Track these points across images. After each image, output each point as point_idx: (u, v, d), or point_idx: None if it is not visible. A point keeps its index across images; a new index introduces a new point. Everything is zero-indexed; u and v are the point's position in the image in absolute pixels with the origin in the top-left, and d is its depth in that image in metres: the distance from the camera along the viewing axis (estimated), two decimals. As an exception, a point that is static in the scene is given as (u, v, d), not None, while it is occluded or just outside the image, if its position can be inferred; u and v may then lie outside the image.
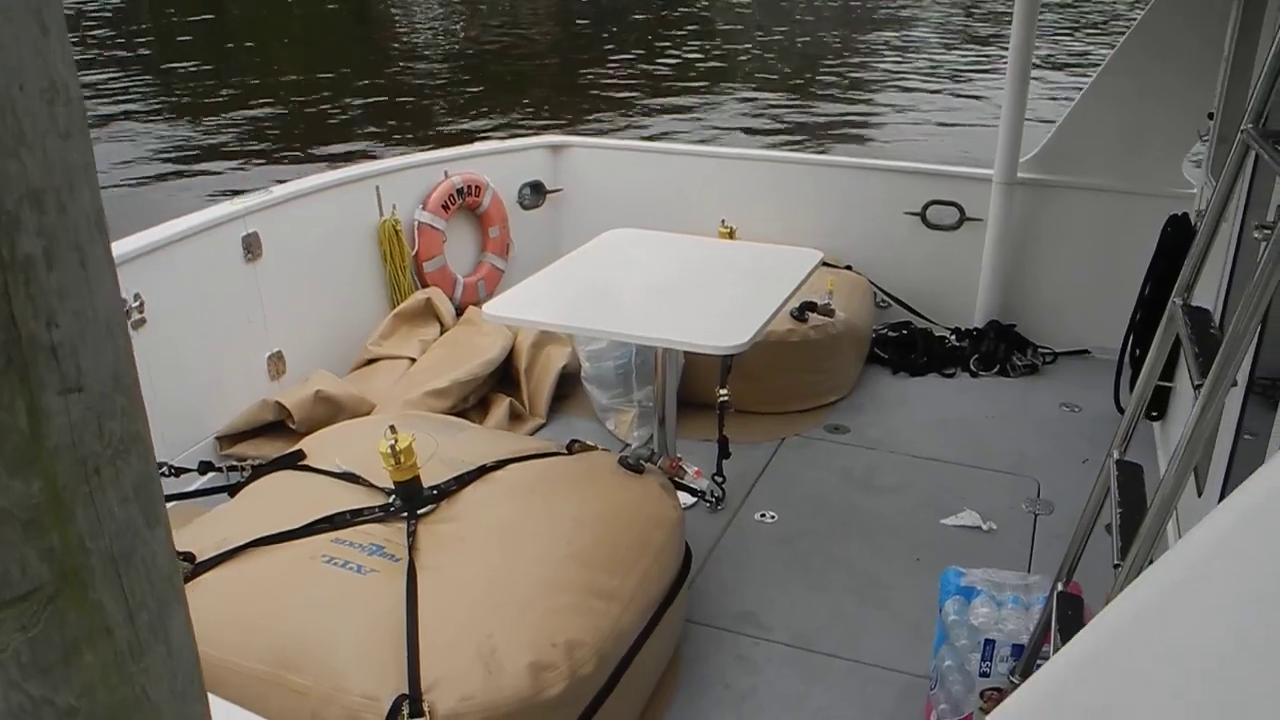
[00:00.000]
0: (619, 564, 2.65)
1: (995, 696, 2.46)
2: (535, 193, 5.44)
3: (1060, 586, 2.28)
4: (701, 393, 4.13)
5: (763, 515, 3.60)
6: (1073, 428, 4.29)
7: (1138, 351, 4.21)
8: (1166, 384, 4.06)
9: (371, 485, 2.84)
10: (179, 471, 3.62)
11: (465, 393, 3.96)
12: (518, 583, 2.50)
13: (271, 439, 3.87)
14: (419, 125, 13.63)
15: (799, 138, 12.88)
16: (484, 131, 12.82)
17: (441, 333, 4.53)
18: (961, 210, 4.98)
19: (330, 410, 3.83)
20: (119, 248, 3.45)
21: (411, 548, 2.57)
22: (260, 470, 3.12)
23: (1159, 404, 4.12)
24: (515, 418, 4.16)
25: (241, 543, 2.59)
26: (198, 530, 2.76)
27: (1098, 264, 4.79)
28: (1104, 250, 4.76)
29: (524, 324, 3.67)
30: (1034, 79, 4.88)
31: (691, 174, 5.44)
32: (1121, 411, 4.25)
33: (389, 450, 2.66)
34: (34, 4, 0.51)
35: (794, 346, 4.18)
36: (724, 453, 3.70)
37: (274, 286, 4.08)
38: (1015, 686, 2.36)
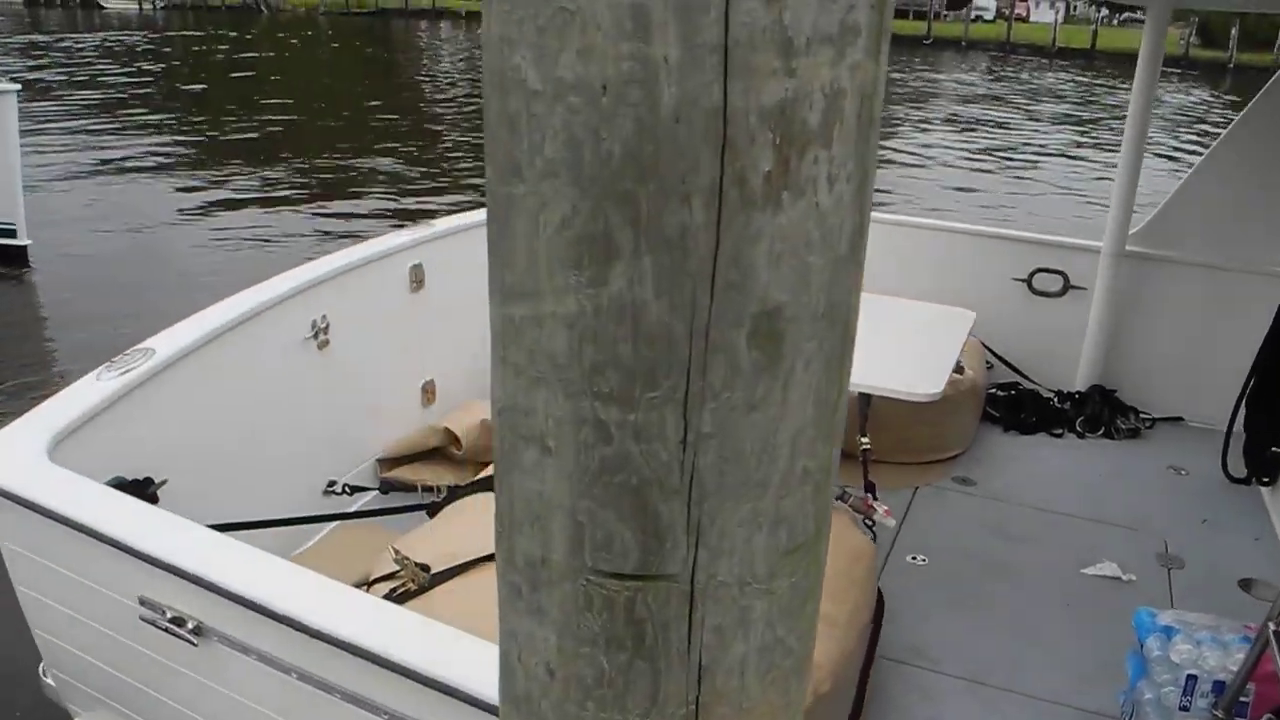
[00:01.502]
0: (833, 593, 2.80)
1: (1196, 731, 2.61)
2: None
3: (1275, 626, 2.44)
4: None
5: (913, 557, 3.76)
6: (1184, 489, 4.48)
7: (1249, 421, 4.40)
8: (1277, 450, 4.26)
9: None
10: (354, 490, 3.78)
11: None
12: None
13: (431, 464, 4.03)
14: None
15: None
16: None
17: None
18: (1066, 279, 5.21)
19: (491, 437, 3.98)
20: (310, 271, 3.64)
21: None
22: (457, 491, 3.27)
23: (1270, 470, 4.31)
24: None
25: (473, 557, 2.74)
26: (415, 545, 2.91)
27: (1195, 336, 5.00)
28: (1202, 323, 4.98)
29: None
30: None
31: None
32: (1229, 477, 4.46)
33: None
34: None
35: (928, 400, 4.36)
36: (872, 496, 3.86)
37: (431, 316, 4.27)
38: (1215, 719, 2.53)
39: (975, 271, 5.31)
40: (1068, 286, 5.22)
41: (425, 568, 2.69)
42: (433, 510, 3.28)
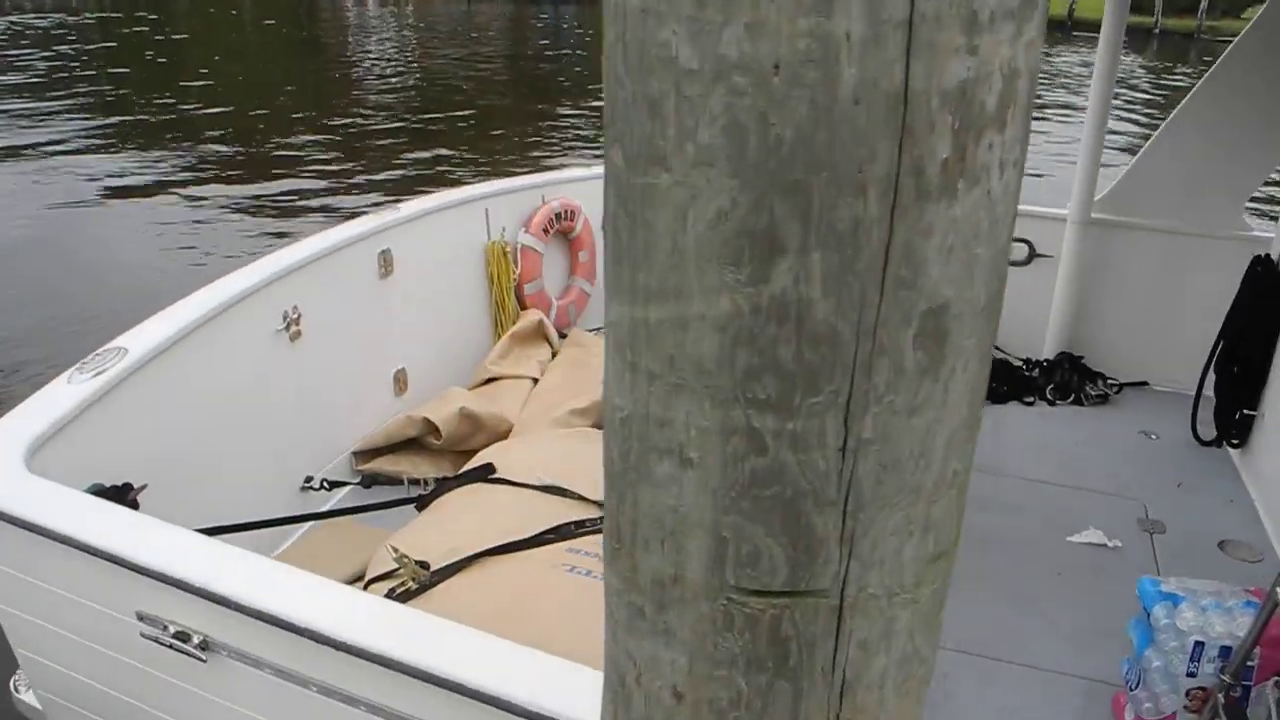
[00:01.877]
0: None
1: (1201, 695, 2.64)
2: None
3: None
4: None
5: None
6: (1156, 453, 4.54)
7: (1219, 385, 4.47)
8: (1250, 413, 4.33)
9: (580, 497, 2.94)
10: (332, 485, 3.68)
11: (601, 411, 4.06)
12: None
13: (409, 455, 3.94)
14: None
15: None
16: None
17: (552, 354, 4.63)
18: (1031, 247, 5.24)
19: (471, 427, 3.91)
20: (279, 260, 3.52)
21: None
22: (446, 484, 3.20)
23: (1241, 431, 4.38)
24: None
25: (474, 551, 2.67)
26: (410, 540, 2.84)
27: (1160, 301, 5.06)
28: (1166, 288, 5.03)
29: None
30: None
31: None
32: (1199, 440, 4.53)
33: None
34: None
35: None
36: None
37: (401, 303, 4.16)
38: (1225, 685, 2.55)
39: None
40: (1033, 255, 5.25)
41: (424, 565, 2.62)
42: (421, 503, 3.20)
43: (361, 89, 18.92)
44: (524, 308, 4.85)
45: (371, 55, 23.52)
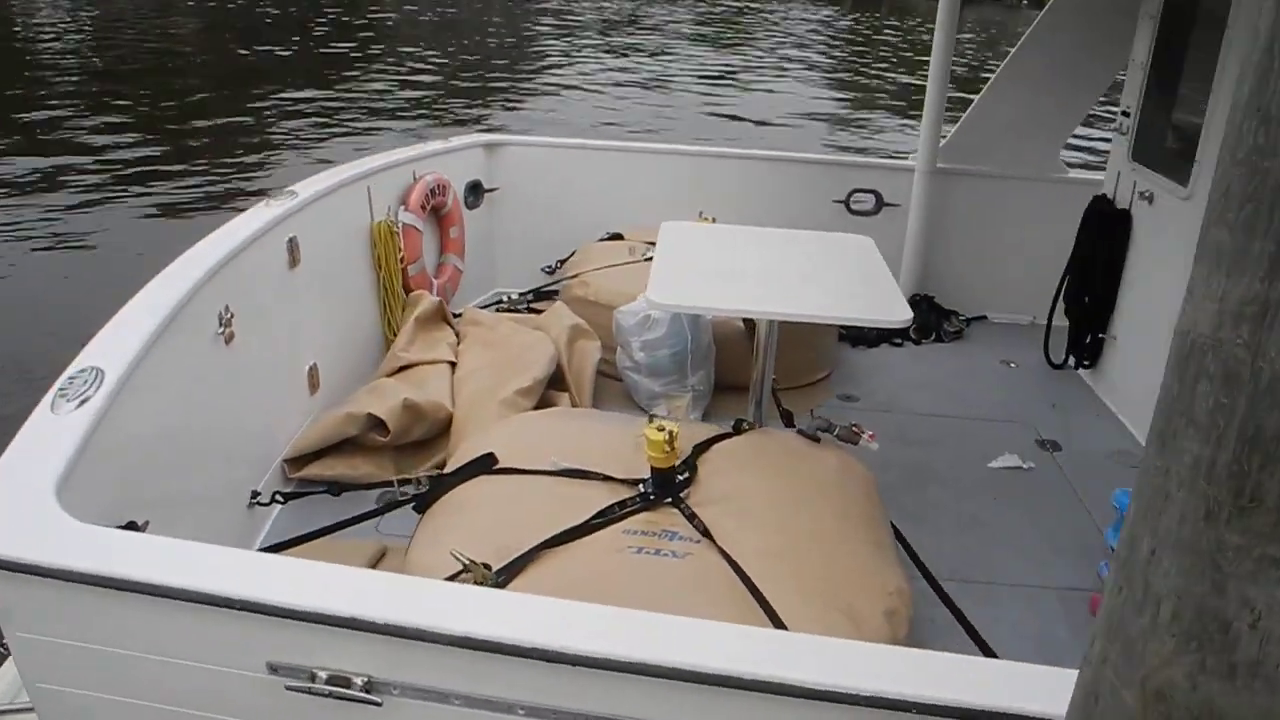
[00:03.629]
0: (872, 521, 2.90)
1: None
2: (474, 192, 5.40)
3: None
4: (725, 375, 4.41)
5: None
6: (1023, 380, 5.00)
7: (1071, 314, 4.97)
8: (1101, 336, 4.85)
9: (604, 477, 2.88)
10: (287, 498, 3.40)
11: (543, 389, 3.96)
12: (817, 545, 2.69)
13: (346, 457, 3.68)
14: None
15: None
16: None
17: (455, 335, 4.44)
18: (879, 197, 5.58)
19: (412, 419, 3.70)
20: (205, 256, 3.17)
21: (701, 528, 2.67)
22: (445, 481, 3.02)
23: (1092, 354, 4.91)
24: (563, 413, 4.19)
25: (530, 547, 2.56)
26: (445, 542, 2.68)
27: (1000, 240, 5.53)
28: (1005, 228, 5.50)
29: (701, 310, 3.89)
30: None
31: (629, 169, 5.64)
32: (1052, 364, 5.03)
33: (664, 439, 2.73)
34: None
35: (800, 325, 4.53)
36: (790, 424, 3.99)
37: (307, 295, 3.86)
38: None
39: (800, 196, 5.55)
40: (881, 204, 5.59)
41: (486, 566, 2.48)
42: (420, 504, 3.01)
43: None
44: (408, 290, 4.61)
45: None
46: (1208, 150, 3.97)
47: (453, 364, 4.17)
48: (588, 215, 5.61)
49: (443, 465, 3.76)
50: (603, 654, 1.68)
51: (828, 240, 4.11)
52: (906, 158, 5.67)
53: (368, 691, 1.77)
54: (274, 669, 1.80)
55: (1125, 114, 4.72)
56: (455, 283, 5.08)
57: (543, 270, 5.67)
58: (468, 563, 2.44)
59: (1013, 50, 5.37)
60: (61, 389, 2.35)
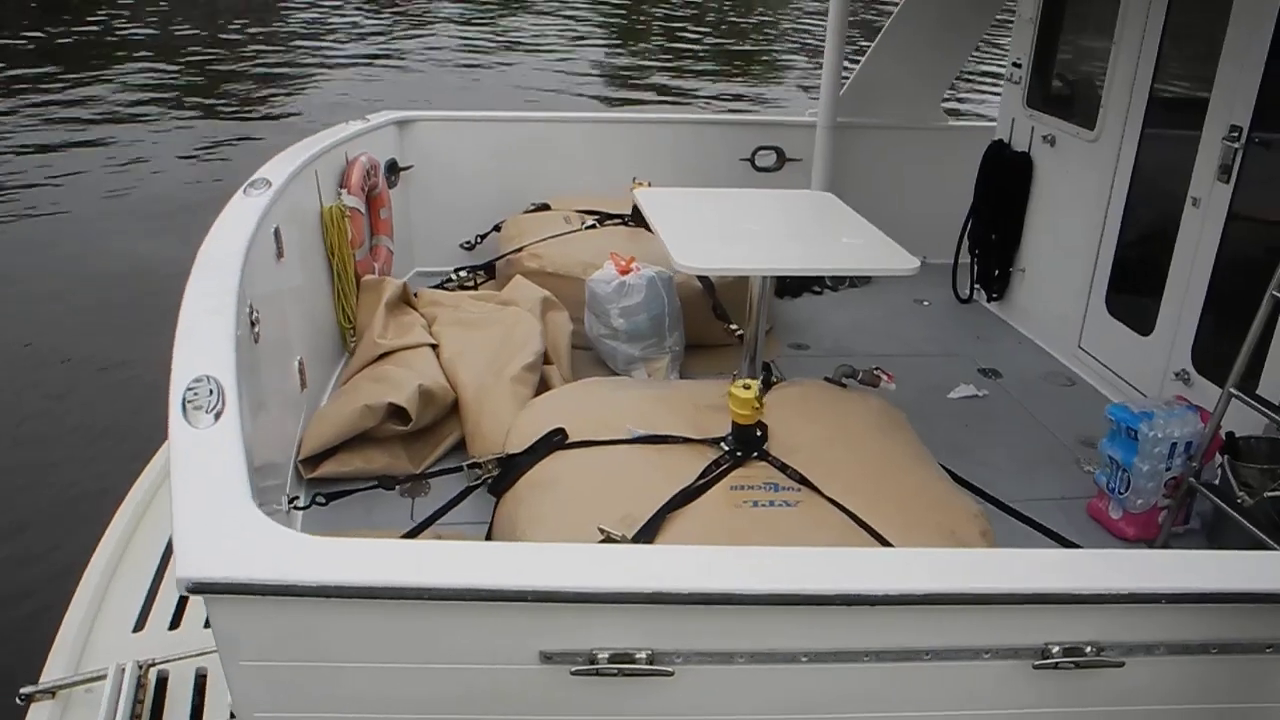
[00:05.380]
0: (925, 453, 3.14)
1: (1175, 482, 3.39)
2: (392, 171, 5.25)
3: (1232, 390, 3.22)
4: (692, 334, 4.55)
5: None
6: (941, 316, 5.40)
7: (976, 251, 5.40)
8: (1010, 270, 5.30)
9: (683, 439, 2.97)
10: (328, 499, 3.30)
11: (542, 363, 3.96)
12: (899, 480, 2.90)
13: (364, 450, 3.57)
14: None
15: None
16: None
17: (423, 318, 4.35)
18: (780, 153, 5.82)
19: (426, 403, 3.63)
20: (227, 254, 3.00)
21: (797, 477, 2.81)
22: (517, 461, 3.02)
23: (1000, 287, 5.35)
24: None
25: (651, 515, 2.63)
26: (557, 521, 2.71)
27: (900, 187, 5.87)
28: (892, 175, 5.85)
29: (731, 271, 3.90)
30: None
31: (540, 140, 5.63)
32: (960, 299, 5.46)
33: (753, 396, 2.84)
34: None
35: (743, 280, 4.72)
36: (770, 375, 4.18)
37: (290, 286, 3.71)
38: (1194, 469, 3.31)
39: (707, 156, 5.72)
40: (783, 159, 5.84)
41: (623, 536, 2.54)
42: (494, 488, 3.00)
43: None
44: (358, 276, 4.46)
45: None
46: (1112, 95, 4.41)
47: (433, 346, 4.09)
48: (503, 188, 5.57)
49: (456, 448, 3.74)
50: (868, 591, 1.79)
51: (795, 197, 4.30)
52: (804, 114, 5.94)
53: (652, 663, 1.81)
54: (548, 657, 1.80)
55: (1017, 65, 5.15)
56: (389, 265, 4.94)
57: (461, 247, 5.60)
58: (615, 535, 2.48)
59: (899, 6, 5.71)
60: (190, 403, 2.20)
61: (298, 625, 1.77)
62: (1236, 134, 3.70)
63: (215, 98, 13.64)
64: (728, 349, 4.60)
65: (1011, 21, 5.36)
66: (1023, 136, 5.12)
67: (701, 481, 2.77)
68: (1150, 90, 4.22)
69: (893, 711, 1.94)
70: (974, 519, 2.80)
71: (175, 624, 3.19)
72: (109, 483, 3.81)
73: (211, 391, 2.26)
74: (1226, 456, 3.33)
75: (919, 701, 1.93)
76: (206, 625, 3.24)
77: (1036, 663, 1.88)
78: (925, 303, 5.56)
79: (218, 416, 2.18)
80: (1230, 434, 3.37)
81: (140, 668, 2.96)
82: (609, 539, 2.49)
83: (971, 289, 5.52)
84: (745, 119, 6.06)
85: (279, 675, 1.83)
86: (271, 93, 14.00)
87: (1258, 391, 3.34)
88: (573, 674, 1.81)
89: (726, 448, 2.93)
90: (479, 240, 5.57)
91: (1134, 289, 4.40)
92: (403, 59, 16.86)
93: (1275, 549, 3.00)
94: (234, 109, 13.10)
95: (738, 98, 13.00)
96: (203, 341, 2.48)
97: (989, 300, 5.46)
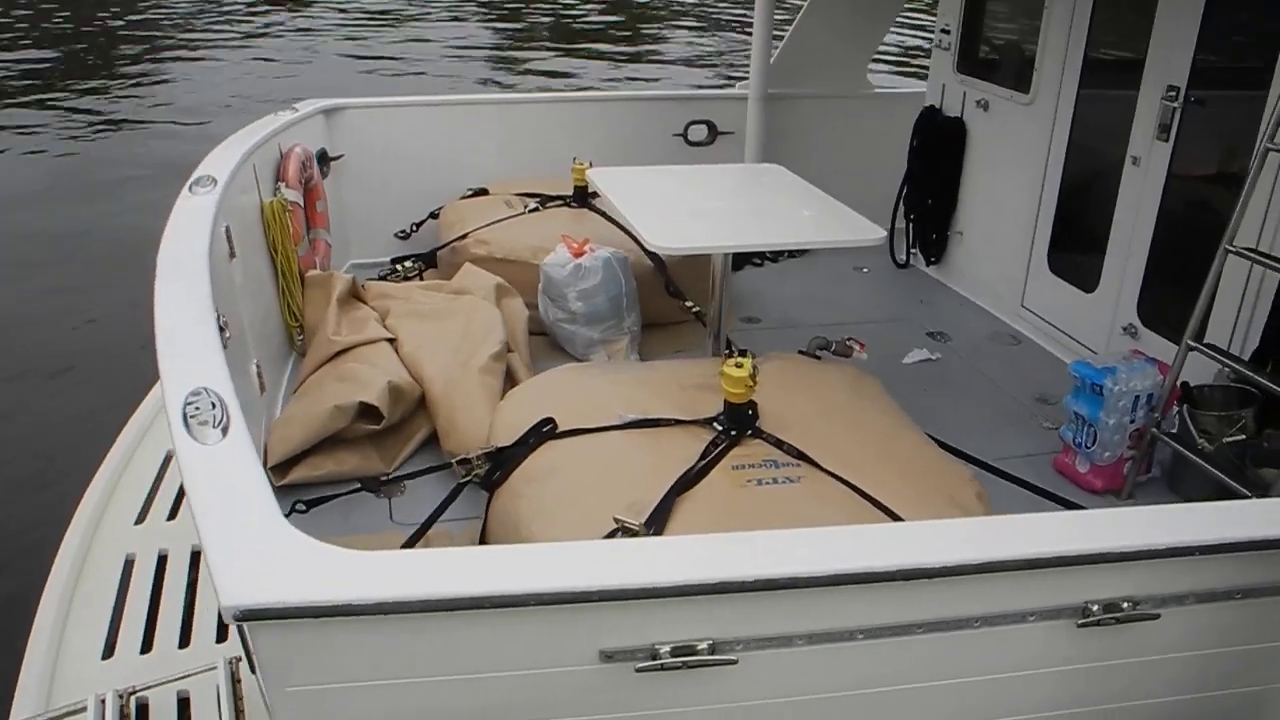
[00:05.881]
0: (907, 419, 3.18)
1: (1139, 434, 3.51)
2: (322, 161, 5.08)
3: (1190, 341, 3.34)
4: (647, 313, 4.53)
5: None
6: (882, 281, 5.49)
7: (912, 216, 5.49)
8: (946, 234, 5.40)
9: (675, 421, 2.95)
10: (308, 505, 3.19)
11: (506, 352, 3.88)
12: (891, 449, 2.94)
13: (334, 453, 3.46)
14: None
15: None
16: None
17: (374, 312, 4.22)
18: (712, 126, 5.82)
19: (395, 400, 3.53)
20: (199, 257, 2.86)
21: (794, 452, 2.82)
22: (510, 453, 2.96)
23: (937, 251, 5.46)
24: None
25: (658, 500, 2.61)
26: (563, 513, 2.67)
27: (820, 157, 5.92)
28: (823, 144, 5.90)
29: (708, 249, 3.78)
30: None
31: (470, 123, 5.51)
32: (898, 264, 5.56)
33: (747, 375, 2.83)
34: None
35: (698, 256, 4.70)
36: (731, 350, 4.19)
37: (242, 288, 3.56)
38: (1156, 420, 3.44)
39: (640, 132, 5.69)
40: (715, 133, 5.84)
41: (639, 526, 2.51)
42: (487, 483, 2.94)
43: None
44: (302, 270, 4.31)
45: None
46: (1046, 58, 4.51)
47: (390, 341, 3.97)
48: (437, 174, 5.45)
49: (426, 444, 3.65)
50: (923, 564, 1.80)
51: (747, 171, 4.29)
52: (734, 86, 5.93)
53: (714, 652, 1.79)
54: (608, 656, 1.77)
55: (945, 32, 5.23)
56: (328, 259, 4.78)
57: (397, 236, 5.46)
58: (628, 524, 2.45)
59: (819, -21, 5.74)
60: (191, 417, 2.09)
61: (352, 644, 1.71)
62: (1174, 93, 3.83)
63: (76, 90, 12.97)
64: (683, 326, 4.60)
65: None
66: (954, 101, 5.21)
67: (703, 463, 2.75)
68: (1084, 52, 4.32)
69: (945, 679, 1.97)
70: (968, 483, 2.85)
71: (147, 648, 3.07)
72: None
73: (214, 405, 2.16)
74: (1185, 406, 3.46)
75: (970, 668, 1.96)
76: (182, 646, 3.13)
77: (1080, 621, 1.93)
78: (864, 269, 5.64)
79: (225, 431, 2.08)
80: (1185, 384, 3.50)
81: (121, 697, 2.83)
82: (624, 528, 2.46)
83: (908, 254, 5.62)
84: (677, 94, 6.00)
85: (331, 699, 1.76)
86: (131, 90, 13.42)
87: (1206, 341, 3.47)
88: (637, 671, 1.78)
89: (720, 427, 2.92)
90: (415, 229, 5.44)
91: (1076, 247, 4.53)
92: (281, 43, 16.33)
93: (1236, 489, 3.14)
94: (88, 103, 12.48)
95: (632, 78, 12.98)
96: (189, 351, 2.36)
97: (928, 264, 5.56)
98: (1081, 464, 3.63)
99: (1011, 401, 4.20)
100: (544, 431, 2.97)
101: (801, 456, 2.81)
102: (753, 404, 2.97)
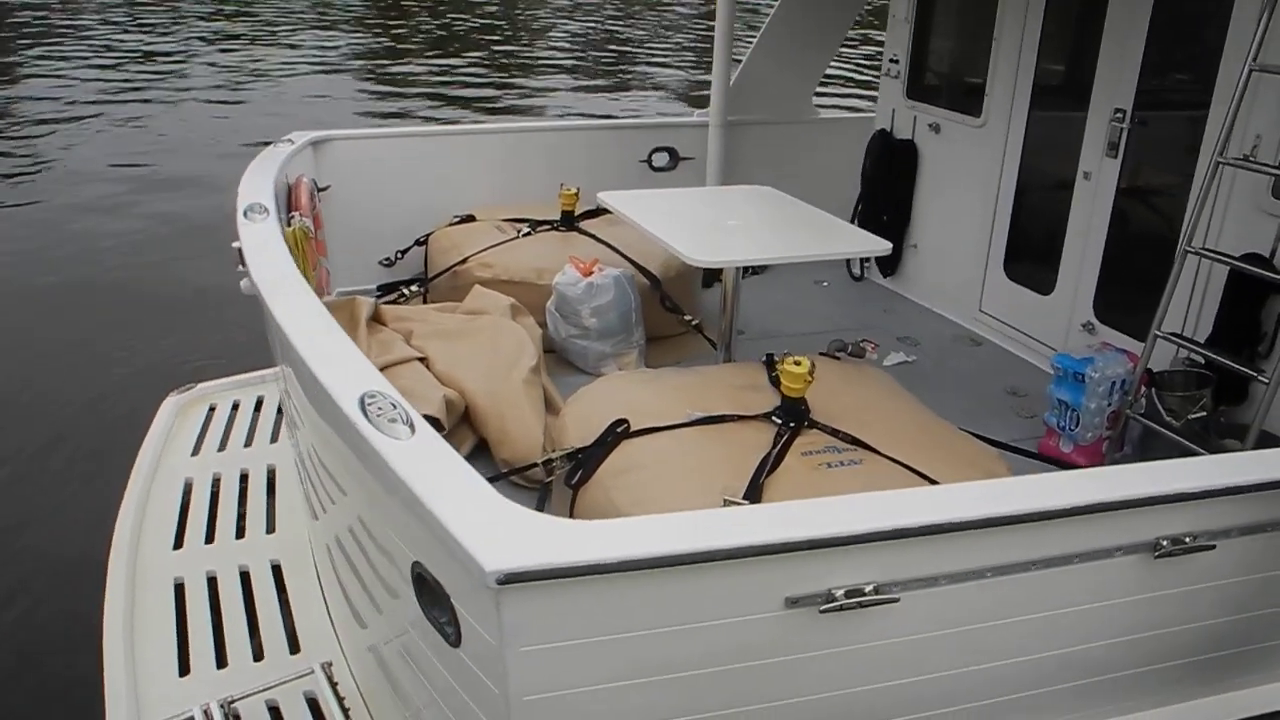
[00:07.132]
0: (933, 414, 3.54)
1: (1114, 415, 3.96)
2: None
3: (1158, 332, 3.82)
4: (648, 328, 4.82)
5: None
6: (842, 294, 5.90)
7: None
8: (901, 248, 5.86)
9: (737, 416, 3.24)
10: None
11: (541, 366, 4.10)
12: (929, 435, 3.29)
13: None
14: None
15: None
16: None
17: (396, 333, 4.39)
18: (674, 153, 6.16)
19: (451, 411, 3.72)
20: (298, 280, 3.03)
21: (850, 439, 3.15)
22: (592, 452, 3.19)
23: (893, 265, 5.90)
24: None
25: (750, 479, 2.90)
26: (651, 500, 2.91)
27: (778, 179, 6.30)
28: (781, 167, 6.28)
29: (744, 262, 4.11)
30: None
31: (450, 154, 5.71)
32: (854, 278, 5.99)
33: (806, 371, 3.15)
34: None
35: (690, 272, 5.03)
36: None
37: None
38: (1130, 402, 3.90)
39: (607, 159, 5.99)
40: (677, 159, 6.18)
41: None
42: (570, 479, 3.16)
43: None
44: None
45: None
46: (996, 86, 5.01)
47: (422, 360, 4.15)
48: (421, 203, 5.63)
49: (476, 451, 3.85)
50: (1047, 508, 2.15)
51: (745, 193, 4.63)
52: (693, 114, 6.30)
53: (879, 593, 2.09)
54: (794, 602, 2.05)
55: (894, 61, 5.70)
56: (328, 286, 4.92)
57: (381, 264, 5.61)
58: (738, 503, 2.72)
59: (771, 13, 6.16)
60: (376, 415, 2.27)
61: (582, 603, 1.94)
62: (1121, 114, 4.34)
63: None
64: (682, 337, 4.91)
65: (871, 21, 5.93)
66: (905, 125, 5.68)
67: (777, 449, 3.05)
68: (1034, 78, 4.83)
69: (1051, 610, 2.31)
70: (997, 460, 3.23)
71: (221, 664, 3.19)
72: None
73: (394, 405, 2.33)
74: (1152, 389, 3.94)
75: (1071, 598, 2.31)
76: (256, 660, 3.25)
77: (1156, 553, 2.30)
78: (825, 283, 6.05)
79: (412, 428, 2.27)
80: (1149, 370, 3.98)
81: (222, 706, 2.96)
82: (733, 501, 2.74)
83: (863, 268, 6.05)
84: (639, 123, 6.35)
85: (555, 656, 1.98)
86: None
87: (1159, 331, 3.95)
88: (821, 612, 2.06)
89: (779, 420, 3.22)
90: (400, 255, 5.60)
91: (1031, 256, 5.02)
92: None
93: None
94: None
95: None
96: (338, 359, 2.53)
97: (884, 276, 6.00)
98: (1065, 445, 4.07)
99: (986, 396, 4.64)
100: (619, 431, 3.22)
101: (856, 442, 3.14)
102: (803, 398, 3.29)
